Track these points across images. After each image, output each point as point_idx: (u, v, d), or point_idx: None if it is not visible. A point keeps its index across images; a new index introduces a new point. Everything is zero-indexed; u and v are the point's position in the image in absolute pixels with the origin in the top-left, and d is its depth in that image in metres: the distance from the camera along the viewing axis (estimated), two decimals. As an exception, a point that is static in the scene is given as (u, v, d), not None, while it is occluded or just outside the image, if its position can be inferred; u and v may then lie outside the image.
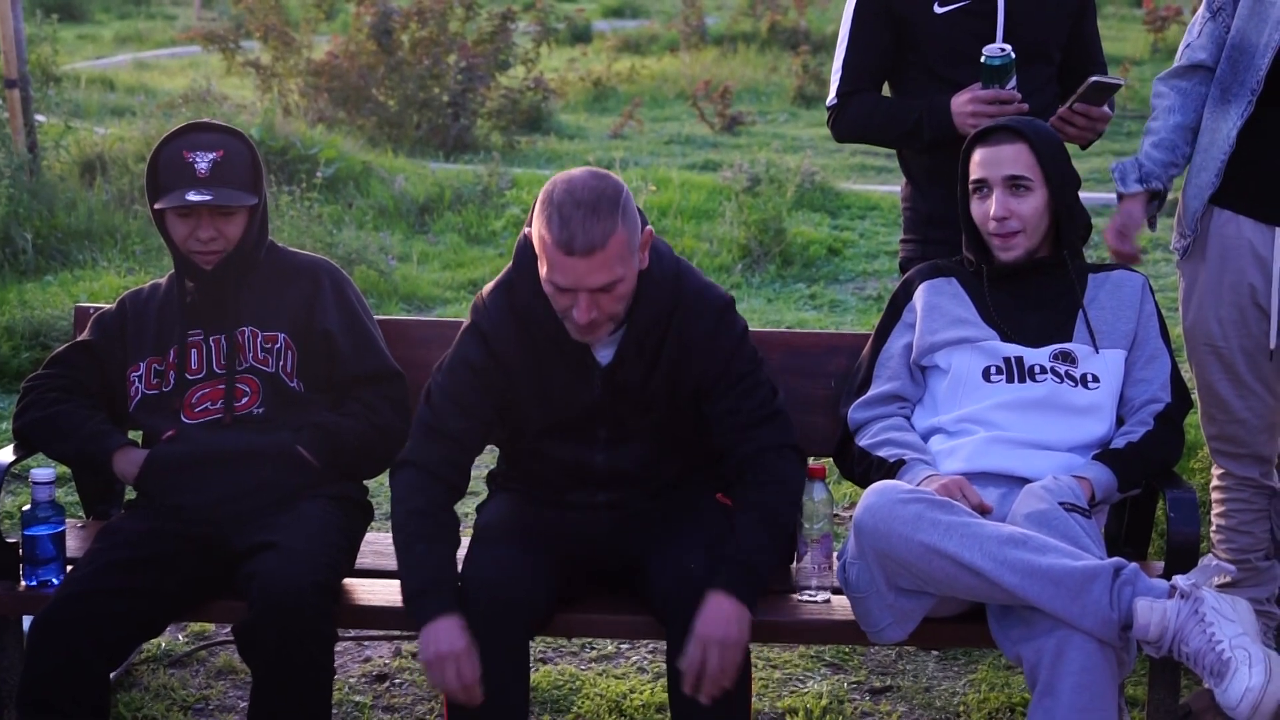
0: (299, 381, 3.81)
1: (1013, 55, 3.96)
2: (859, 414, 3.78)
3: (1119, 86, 4.00)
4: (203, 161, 3.73)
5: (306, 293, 3.87)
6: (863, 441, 3.72)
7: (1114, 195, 4.03)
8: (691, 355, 3.55)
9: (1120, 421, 3.70)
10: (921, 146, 4.17)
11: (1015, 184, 3.71)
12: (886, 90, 4.34)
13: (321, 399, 3.83)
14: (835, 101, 4.28)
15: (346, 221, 9.33)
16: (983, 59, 3.97)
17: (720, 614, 3.34)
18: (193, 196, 3.70)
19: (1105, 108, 4.07)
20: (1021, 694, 4.23)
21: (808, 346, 4.14)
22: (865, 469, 3.68)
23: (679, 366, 3.56)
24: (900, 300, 3.88)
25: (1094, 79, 3.94)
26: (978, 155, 3.77)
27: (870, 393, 3.79)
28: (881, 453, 3.65)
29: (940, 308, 3.79)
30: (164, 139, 3.80)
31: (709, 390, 3.57)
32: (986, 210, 3.74)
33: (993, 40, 4.07)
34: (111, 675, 3.68)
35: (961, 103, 4.02)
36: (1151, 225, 4.02)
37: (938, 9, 4.11)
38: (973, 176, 3.77)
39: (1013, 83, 3.98)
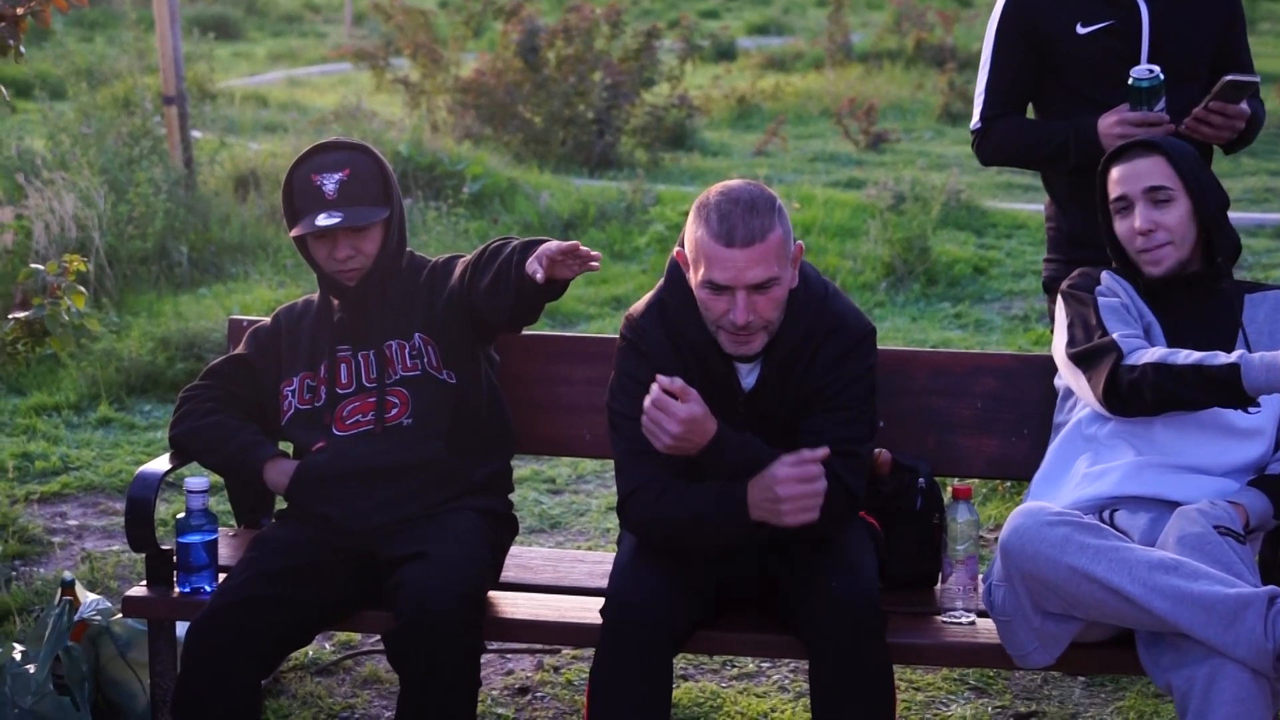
0: (449, 372, 3.84)
1: (1161, 76, 3.90)
2: (1127, 341, 3.54)
3: (1255, 84, 3.93)
4: (329, 183, 3.77)
5: (429, 287, 3.89)
6: (1151, 357, 3.45)
7: (1270, 215, 3.95)
8: (816, 371, 3.54)
9: (1278, 446, 3.62)
10: (1068, 168, 4.13)
11: (1156, 195, 3.66)
12: (1030, 111, 4.31)
13: (472, 390, 3.85)
14: (979, 125, 4.25)
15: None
16: (1130, 81, 3.92)
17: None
18: (323, 220, 3.74)
19: (1243, 105, 3.99)
20: (1170, 723, 4.17)
21: (954, 366, 4.10)
22: (1164, 383, 3.42)
23: (803, 385, 3.55)
24: (1086, 282, 3.74)
25: (1228, 78, 3.87)
26: (1115, 173, 3.72)
27: (1124, 332, 3.58)
28: (1188, 360, 3.40)
29: (1130, 296, 3.71)
30: (294, 163, 3.85)
31: (814, 404, 3.55)
32: (1131, 226, 3.68)
33: (1137, 60, 4.02)
34: (262, 682, 3.75)
35: (1109, 124, 3.97)
36: None
37: (1081, 29, 4.07)
38: (1113, 195, 3.72)
39: (1161, 104, 3.92)
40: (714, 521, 3.43)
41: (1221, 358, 3.36)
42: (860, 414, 3.56)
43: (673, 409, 3.34)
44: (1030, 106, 4.30)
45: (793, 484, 3.34)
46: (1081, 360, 3.60)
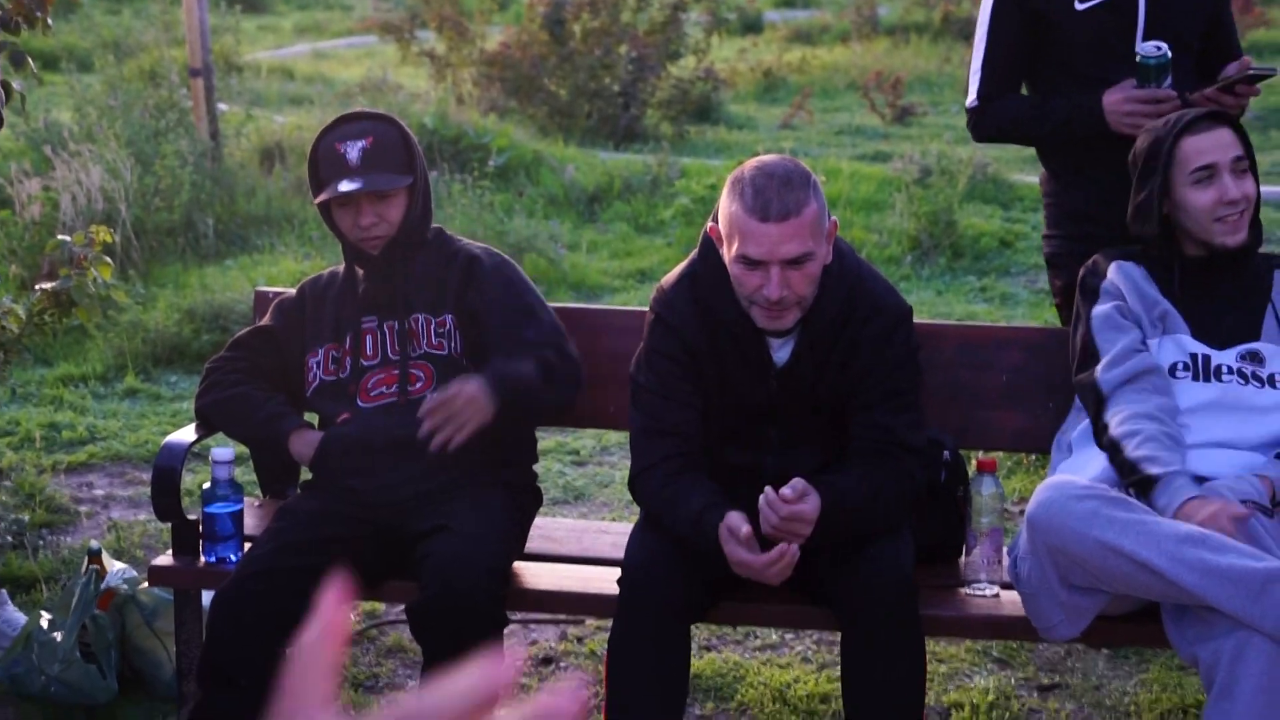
0: (469, 362, 3.85)
1: (1169, 54, 3.88)
2: (1108, 375, 3.55)
3: (1272, 74, 3.95)
4: (353, 150, 3.78)
5: (466, 271, 3.89)
6: (1115, 429, 3.47)
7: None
8: (858, 358, 3.53)
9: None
10: (1069, 144, 4.09)
11: (1239, 164, 3.64)
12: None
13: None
14: (975, 104, 4.21)
15: (517, 210, 9.42)
16: (1138, 58, 3.90)
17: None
18: (345, 185, 3.75)
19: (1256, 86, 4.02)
20: (1195, 695, 4.15)
21: (981, 339, 4.09)
22: (1118, 459, 3.46)
23: (846, 368, 3.54)
24: (1092, 281, 3.74)
25: (1251, 69, 3.89)
26: (1193, 143, 3.64)
27: (1112, 353, 3.58)
28: (1135, 453, 3.42)
29: (1138, 288, 3.69)
30: (319, 134, 3.86)
31: (861, 395, 3.54)
32: (1216, 195, 3.60)
33: (1132, 35, 4.00)
34: (287, 651, 3.77)
35: (1115, 101, 3.94)
36: None
37: (1078, 6, 4.04)
38: (1197, 164, 3.63)
39: (1168, 80, 3.90)
40: (693, 541, 3.43)
41: (1157, 466, 3.34)
42: (910, 401, 3.56)
43: (807, 514, 3.33)
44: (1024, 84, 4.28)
45: (747, 569, 3.33)
46: (1077, 390, 3.65)
